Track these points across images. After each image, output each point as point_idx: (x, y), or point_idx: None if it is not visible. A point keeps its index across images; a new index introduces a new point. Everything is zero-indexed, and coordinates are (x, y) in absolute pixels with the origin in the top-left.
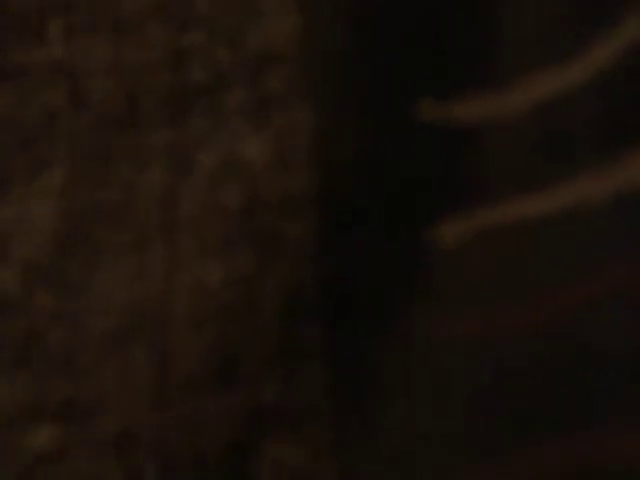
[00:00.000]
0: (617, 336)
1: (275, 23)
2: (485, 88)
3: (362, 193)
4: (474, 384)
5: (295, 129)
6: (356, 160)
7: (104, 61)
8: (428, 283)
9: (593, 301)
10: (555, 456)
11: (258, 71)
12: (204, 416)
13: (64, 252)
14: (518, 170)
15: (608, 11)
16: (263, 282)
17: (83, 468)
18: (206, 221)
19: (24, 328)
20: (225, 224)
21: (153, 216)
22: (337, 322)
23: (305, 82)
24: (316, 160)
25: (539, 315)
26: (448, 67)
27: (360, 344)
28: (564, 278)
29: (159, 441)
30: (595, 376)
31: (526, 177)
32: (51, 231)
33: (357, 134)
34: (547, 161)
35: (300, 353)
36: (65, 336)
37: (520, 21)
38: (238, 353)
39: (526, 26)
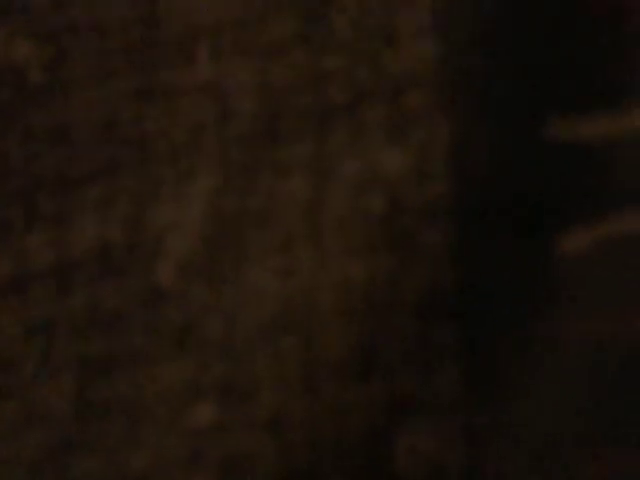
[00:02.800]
0: None
1: (412, 45)
2: (610, 109)
3: (494, 203)
4: (598, 382)
5: (432, 143)
6: (489, 172)
7: (249, 82)
8: (555, 288)
9: None
10: None
11: (396, 91)
12: (347, 402)
13: (215, 251)
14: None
15: None
16: (402, 282)
17: (239, 444)
18: (349, 225)
19: (181, 319)
20: (367, 228)
21: (298, 220)
22: (470, 321)
23: (442, 99)
24: (452, 171)
25: None
26: (576, 88)
27: (492, 343)
28: None
29: (307, 422)
30: None
31: None
32: (202, 232)
33: (490, 148)
34: None
35: (435, 349)
36: (220, 326)
37: None
38: (378, 347)
39: None
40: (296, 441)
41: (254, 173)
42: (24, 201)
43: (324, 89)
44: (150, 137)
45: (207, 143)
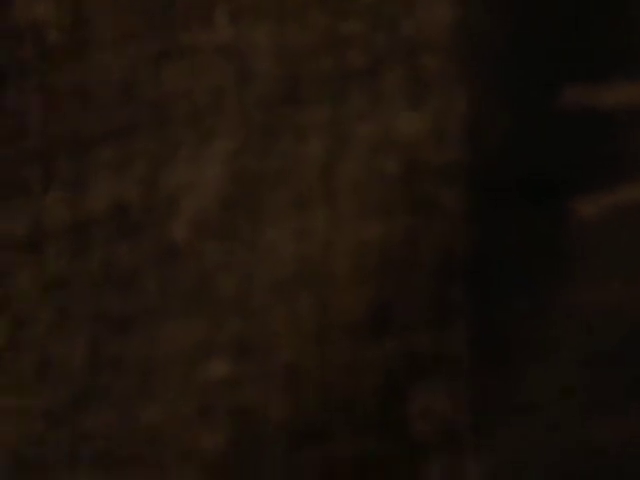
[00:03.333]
0: None
1: (430, 10)
2: (627, 77)
3: (509, 167)
4: (606, 345)
5: (449, 108)
6: (505, 137)
7: (267, 44)
8: (567, 253)
9: None
10: None
11: (414, 55)
12: (361, 360)
13: (231, 210)
14: None
15: None
16: (417, 242)
17: (252, 400)
18: (365, 186)
19: (195, 276)
20: (383, 190)
21: (314, 181)
22: (483, 283)
23: (459, 65)
24: (468, 135)
25: None
26: (593, 56)
27: (502, 304)
28: None
29: (320, 379)
30: None
31: None
32: (219, 191)
33: (506, 114)
34: None
35: (448, 309)
36: (235, 283)
37: None
38: (393, 306)
39: None
40: (309, 399)
41: (273, 135)
42: (42, 161)
43: (342, 53)
44: (169, 99)
45: (227, 105)
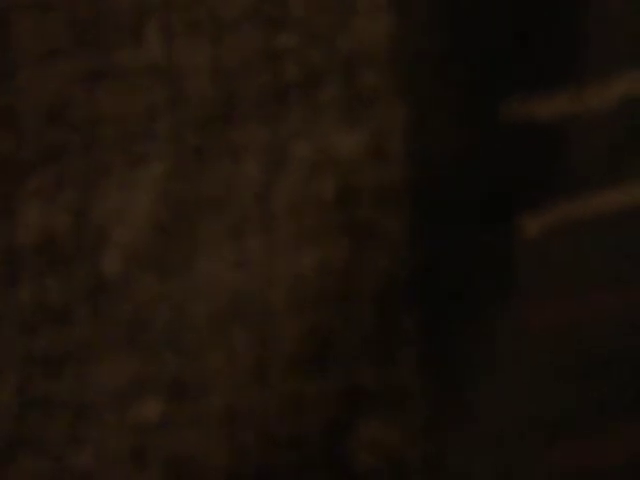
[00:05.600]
0: None
1: (368, 23)
2: (568, 87)
3: (451, 187)
4: (560, 368)
5: (388, 124)
6: (446, 155)
7: (201, 61)
8: (513, 273)
9: None
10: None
11: (351, 69)
12: (303, 396)
13: (165, 239)
14: (599, 165)
15: None
16: (358, 270)
17: (189, 441)
18: (302, 211)
19: (129, 310)
20: (321, 214)
21: (250, 206)
22: (428, 309)
23: (398, 80)
24: (409, 154)
25: (619, 304)
26: (533, 67)
27: (450, 330)
28: None
29: (260, 418)
30: None
31: (606, 172)
32: (151, 219)
33: (447, 130)
34: (627, 157)
35: (393, 338)
36: (168, 318)
37: (603, 24)
38: (334, 337)
39: (608, 29)
40: (249, 439)
41: (208, 158)
42: None
43: (278, 68)
44: (99, 121)
45: (159, 127)
